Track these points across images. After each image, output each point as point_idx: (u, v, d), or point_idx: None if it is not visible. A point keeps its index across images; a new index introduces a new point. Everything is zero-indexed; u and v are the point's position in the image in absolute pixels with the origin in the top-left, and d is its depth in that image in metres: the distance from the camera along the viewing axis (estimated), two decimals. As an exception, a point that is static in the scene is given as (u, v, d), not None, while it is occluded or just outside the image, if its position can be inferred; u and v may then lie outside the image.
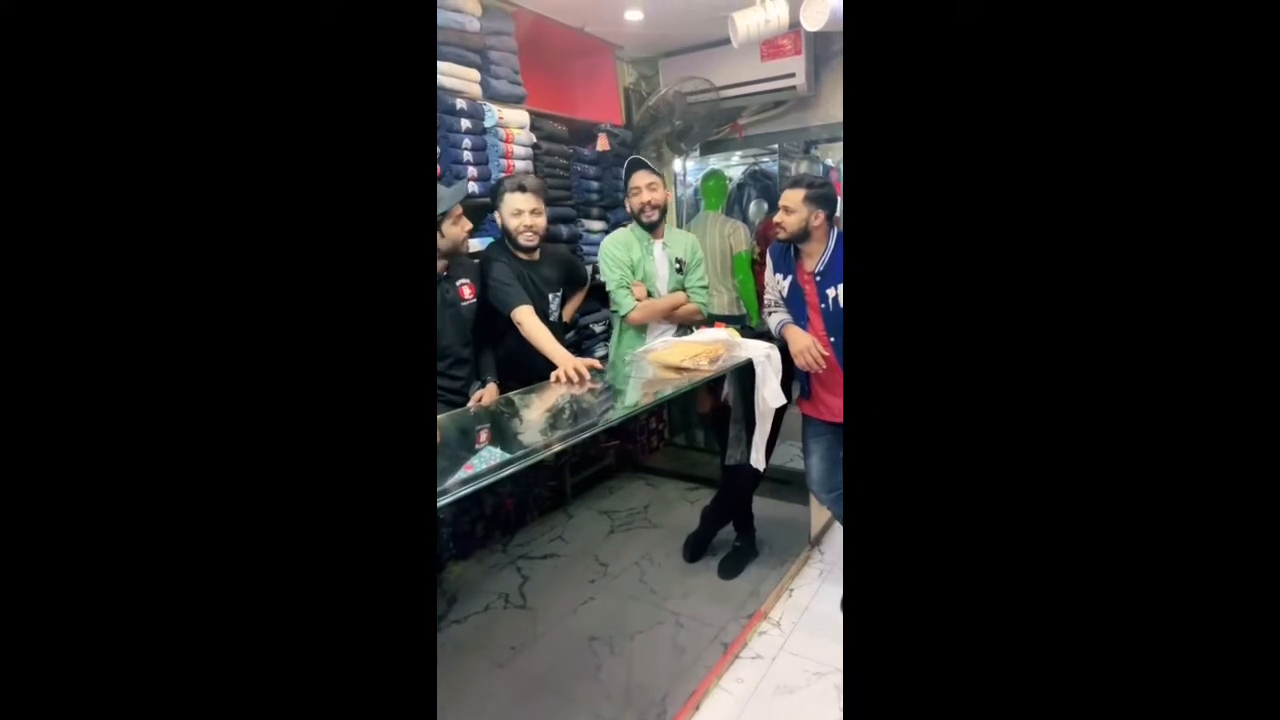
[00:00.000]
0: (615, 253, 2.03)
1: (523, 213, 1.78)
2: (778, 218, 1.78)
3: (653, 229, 2.06)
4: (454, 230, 1.62)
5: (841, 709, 1.56)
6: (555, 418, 1.46)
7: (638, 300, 2.02)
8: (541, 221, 1.83)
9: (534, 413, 1.52)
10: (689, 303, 2.11)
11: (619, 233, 2.11)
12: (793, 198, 1.75)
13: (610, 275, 2.03)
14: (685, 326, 2.14)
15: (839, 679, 1.65)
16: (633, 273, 2.04)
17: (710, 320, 2.17)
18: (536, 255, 1.89)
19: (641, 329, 2.08)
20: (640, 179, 2.01)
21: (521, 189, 1.79)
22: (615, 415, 1.35)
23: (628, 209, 2.11)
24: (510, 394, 1.64)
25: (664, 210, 2.07)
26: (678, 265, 2.09)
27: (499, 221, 1.85)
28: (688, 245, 2.14)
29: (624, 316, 2.05)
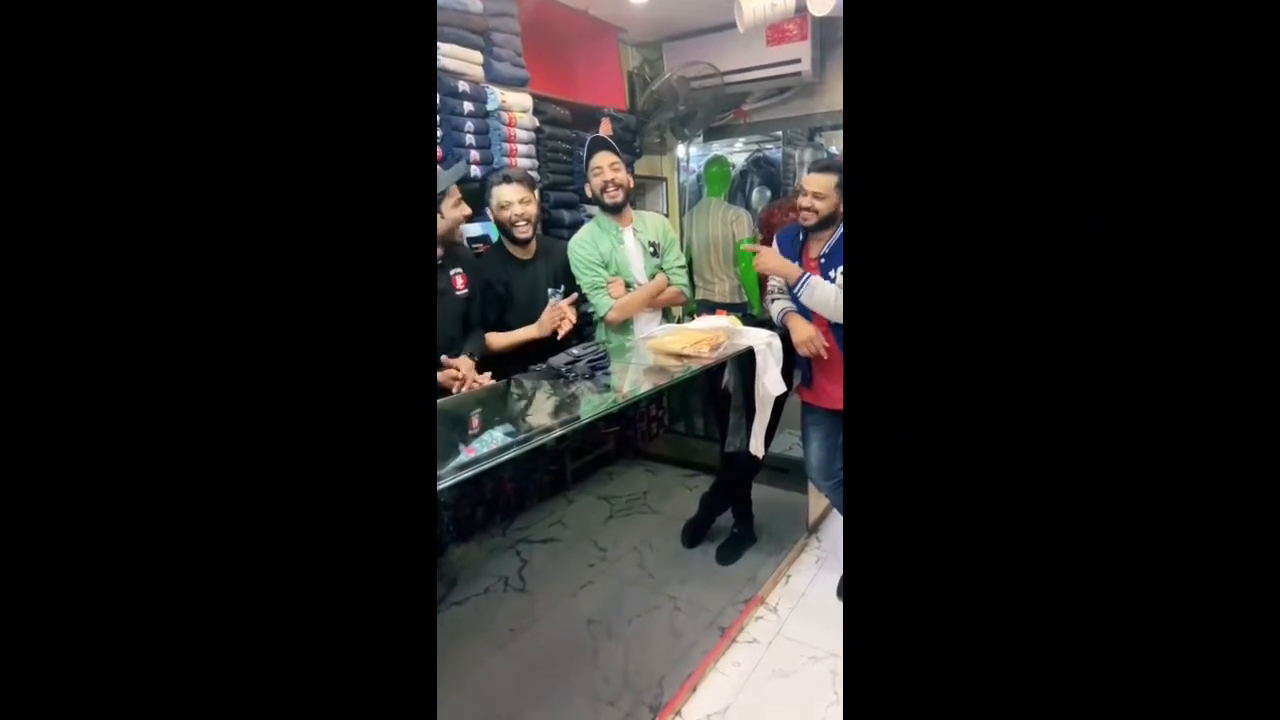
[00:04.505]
0: (583, 253, 1.91)
1: (511, 204, 1.77)
2: (805, 202, 1.72)
3: (618, 212, 1.95)
4: (453, 213, 1.60)
5: (835, 693, 1.58)
6: (558, 408, 1.47)
7: (614, 298, 1.91)
8: (532, 209, 1.80)
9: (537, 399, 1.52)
10: (669, 286, 1.99)
11: (583, 231, 1.97)
12: (824, 183, 1.70)
13: (583, 277, 1.91)
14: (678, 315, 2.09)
15: (834, 664, 1.67)
16: (605, 268, 1.92)
17: (711, 307, 2.15)
18: (533, 250, 1.87)
19: (625, 323, 1.97)
20: (602, 159, 1.91)
21: (507, 180, 1.78)
22: (585, 417, 1.35)
23: (588, 192, 1.99)
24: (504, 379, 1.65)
25: (628, 191, 1.96)
26: (652, 249, 1.98)
27: (491, 218, 1.84)
28: (659, 227, 2.03)
29: (602, 318, 1.94)
